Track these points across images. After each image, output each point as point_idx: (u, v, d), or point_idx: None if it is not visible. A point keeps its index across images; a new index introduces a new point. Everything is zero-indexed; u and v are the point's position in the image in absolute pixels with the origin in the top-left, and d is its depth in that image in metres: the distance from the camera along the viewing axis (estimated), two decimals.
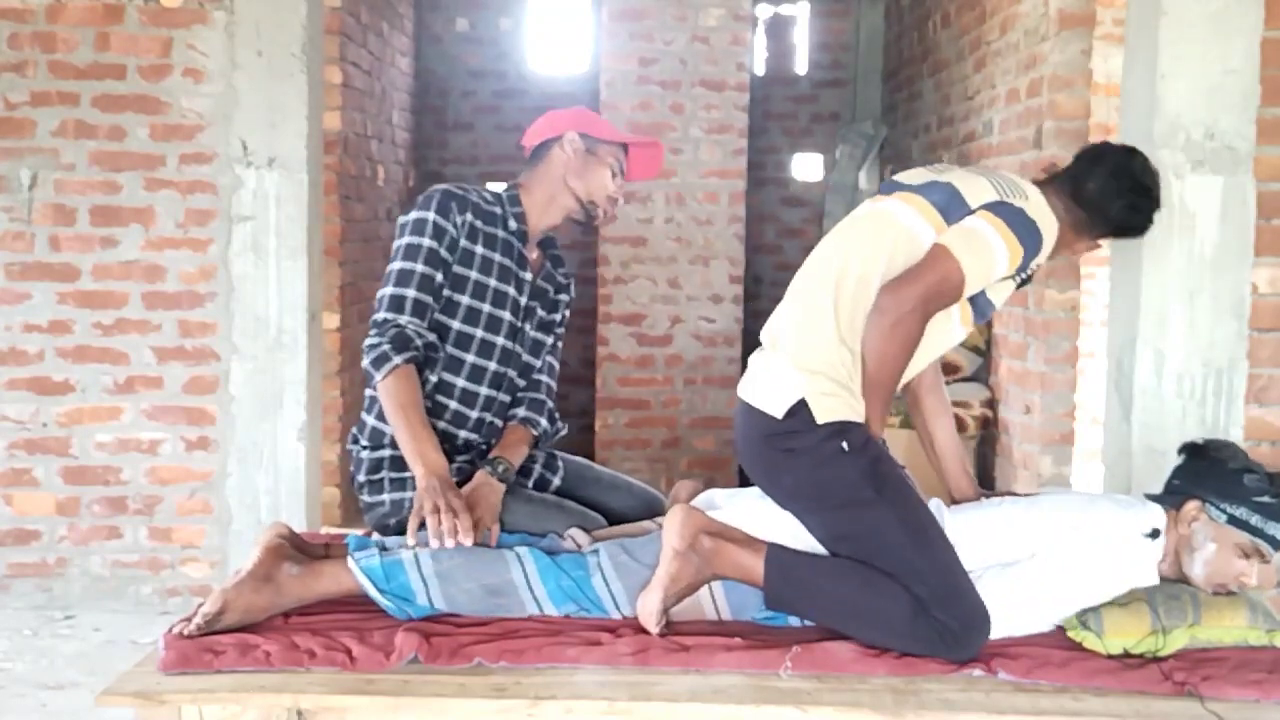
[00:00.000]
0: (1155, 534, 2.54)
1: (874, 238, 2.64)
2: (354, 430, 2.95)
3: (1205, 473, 2.58)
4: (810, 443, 2.52)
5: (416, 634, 2.41)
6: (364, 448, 2.89)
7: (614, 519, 2.94)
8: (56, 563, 4.55)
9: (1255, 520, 2.51)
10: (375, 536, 2.81)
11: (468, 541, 2.54)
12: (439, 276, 2.80)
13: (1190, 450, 2.68)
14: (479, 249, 2.86)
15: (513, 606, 2.56)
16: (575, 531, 2.75)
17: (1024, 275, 2.69)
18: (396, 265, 2.80)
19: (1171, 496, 2.61)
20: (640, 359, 6.39)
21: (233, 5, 4.35)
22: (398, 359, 2.71)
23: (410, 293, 2.77)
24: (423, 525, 2.57)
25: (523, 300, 2.94)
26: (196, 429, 4.50)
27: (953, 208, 2.61)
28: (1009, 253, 2.57)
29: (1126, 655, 2.45)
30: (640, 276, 6.33)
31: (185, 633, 2.42)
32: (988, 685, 2.37)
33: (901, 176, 2.79)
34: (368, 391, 2.90)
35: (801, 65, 7.82)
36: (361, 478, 2.89)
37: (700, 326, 6.39)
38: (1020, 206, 2.60)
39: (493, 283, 2.88)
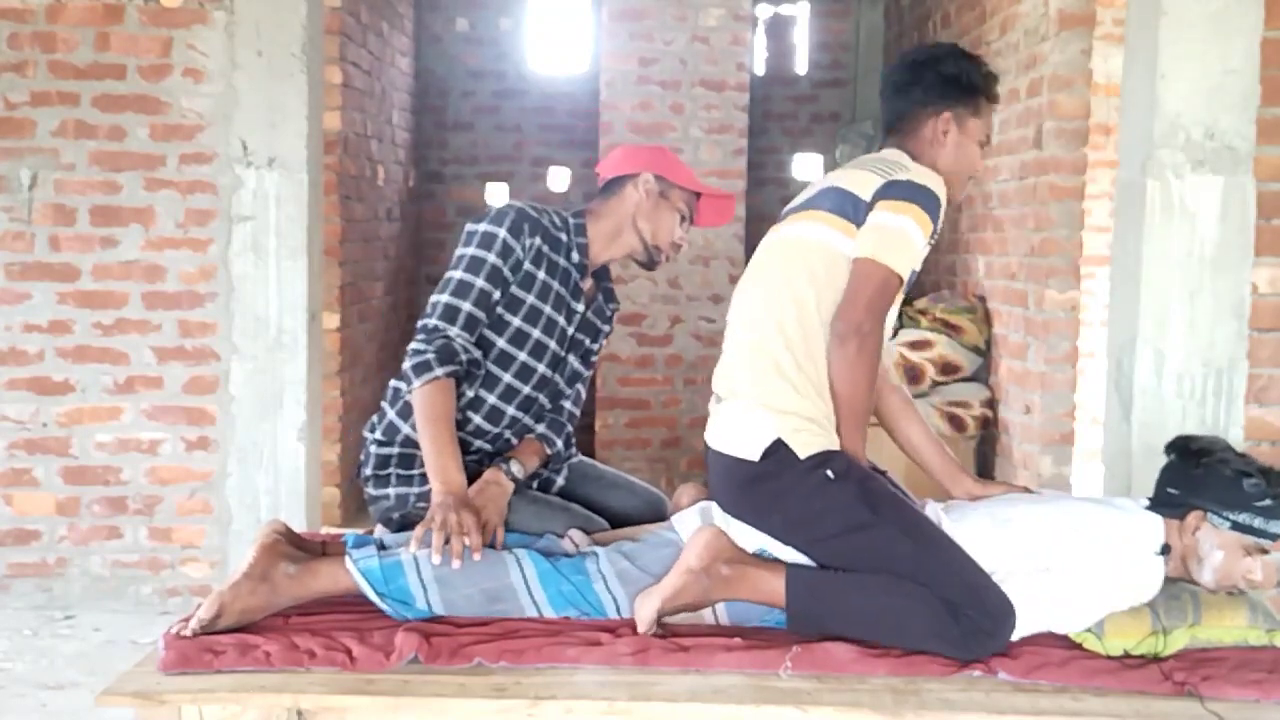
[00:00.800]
0: (1166, 550, 2.55)
1: (791, 265, 2.63)
2: (373, 419, 2.94)
3: (1202, 481, 2.57)
4: (794, 479, 2.51)
5: (416, 634, 2.41)
6: (376, 441, 2.89)
7: (616, 518, 2.94)
8: (56, 563, 4.55)
9: (1258, 523, 2.51)
10: (377, 531, 2.81)
11: (476, 557, 2.53)
12: (496, 294, 2.78)
13: (1179, 451, 2.67)
14: (540, 274, 2.84)
15: (512, 611, 2.55)
16: (574, 532, 2.74)
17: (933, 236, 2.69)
18: (458, 275, 2.78)
19: (1170, 507, 2.60)
20: (640, 359, 6.39)
21: (233, 5, 4.35)
22: (439, 370, 2.69)
23: (466, 306, 2.76)
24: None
25: (570, 331, 2.93)
26: (196, 429, 4.50)
27: (847, 206, 2.60)
28: (920, 228, 2.56)
29: (1127, 656, 2.45)
30: (640, 276, 6.33)
31: (181, 634, 2.42)
32: (988, 685, 2.37)
33: (786, 210, 2.78)
34: (392, 383, 2.90)
35: (801, 65, 7.82)
36: (368, 471, 2.89)
37: (700, 326, 6.39)
38: (905, 179, 2.59)
39: (546, 309, 2.86)
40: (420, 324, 2.78)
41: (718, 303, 6.38)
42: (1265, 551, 2.54)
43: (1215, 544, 2.53)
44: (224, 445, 4.47)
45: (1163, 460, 2.70)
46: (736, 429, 2.59)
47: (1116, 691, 2.35)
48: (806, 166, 7.83)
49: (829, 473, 2.51)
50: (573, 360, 2.98)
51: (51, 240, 4.46)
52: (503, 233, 2.78)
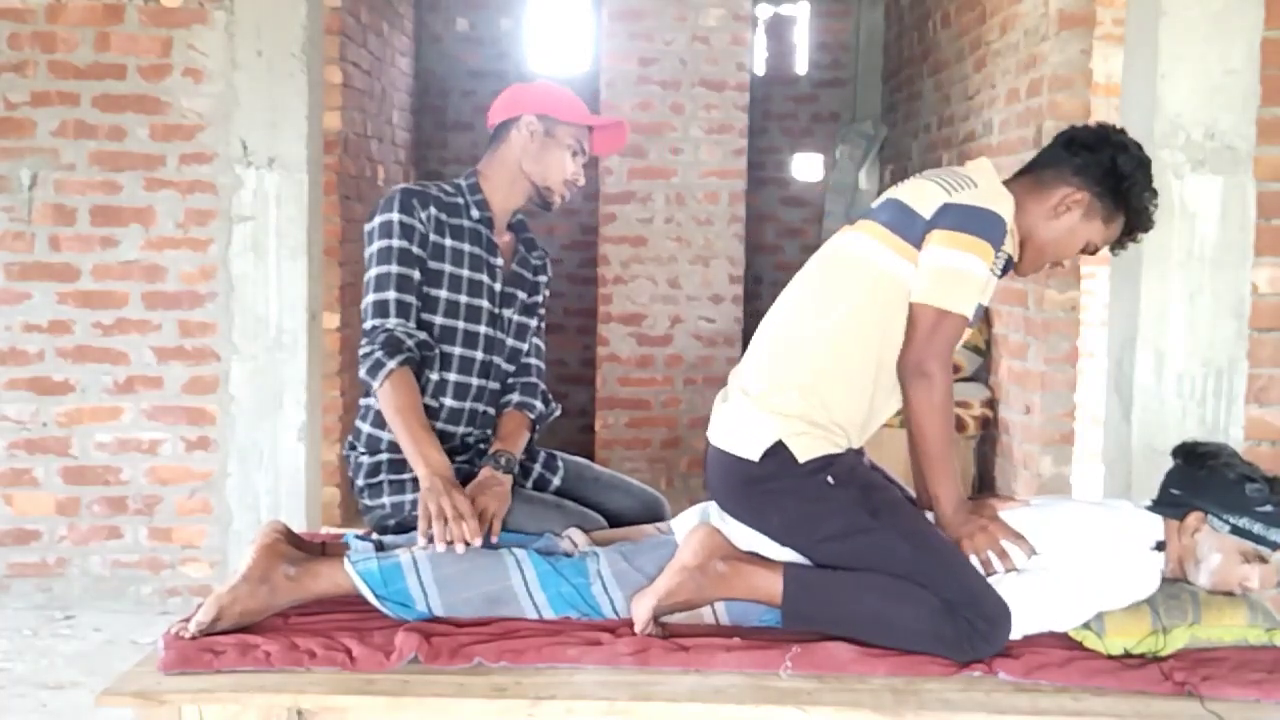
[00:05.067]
0: (1161, 546, 2.55)
1: (830, 279, 2.60)
2: (350, 437, 2.96)
3: (1205, 484, 2.57)
4: (793, 483, 2.50)
5: (417, 634, 2.41)
6: (361, 453, 2.90)
7: (613, 519, 2.93)
8: (56, 563, 4.55)
9: (1258, 529, 2.51)
10: (374, 535, 2.80)
11: (476, 542, 2.54)
12: (416, 274, 2.80)
13: (1185, 455, 2.66)
14: (447, 241, 2.85)
15: (512, 614, 2.55)
16: (573, 531, 2.74)
17: (1004, 261, 2.61)
18: (372, 271, 2.80)
19: (1171, 508, 2.60)
20: (640, 359, 6.39)
21: (233, 5, 4.35)
22: (391, 364, 2.70)
23: (391, 295, 2.76)
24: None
25: (498, 286, 2.93)
26: (196, 429, 4.50)
27: (903, 223, 2.54)
28: (982, 259, 2.51)
29: (1127, 655, 2.46)
30: (640, 276, 6.33)
31: (181, 635, 2.42)
32: (988, 685, 2.37)
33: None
34: (362, 400, 2.91)
35: (801, 65, 7.83)
36: (360, 482, 2.89)
37: (700, 326, 6.39)
38: (965, 202, 2.53)
39: (466, 273, 2.87)
40: (362, 330, 2.80)
41: (718, 303, 6.38)
42: (1265, 560, 2.54)
43: (1214, 547, 2.53)
44: (224, 445, 4.47)
45: (1163, 460, 2.70)
46: (738, 427, 2.58)
47: (1116, 691, 2.35)
48: (806, 166, 7.83)
49: (829, 478, 2.50)
50: (512, 315, 2.97)
51: (51, 240, 4.46)
52: (395, 215, 2.79)
